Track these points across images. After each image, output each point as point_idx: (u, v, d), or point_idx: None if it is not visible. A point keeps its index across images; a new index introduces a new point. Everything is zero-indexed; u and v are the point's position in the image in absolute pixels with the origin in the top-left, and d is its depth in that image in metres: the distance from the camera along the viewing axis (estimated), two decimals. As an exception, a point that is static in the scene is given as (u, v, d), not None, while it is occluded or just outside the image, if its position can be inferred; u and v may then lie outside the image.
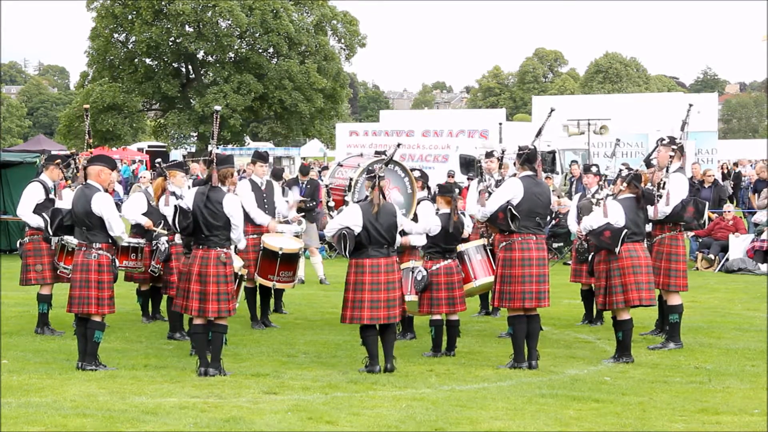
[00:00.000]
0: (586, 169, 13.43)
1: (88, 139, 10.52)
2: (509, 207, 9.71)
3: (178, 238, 11.00)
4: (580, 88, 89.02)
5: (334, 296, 14.63)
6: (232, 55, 52.22)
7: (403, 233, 10.44)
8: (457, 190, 10.83)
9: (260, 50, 52.08)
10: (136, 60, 51.89)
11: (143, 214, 12.03)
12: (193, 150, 53.82)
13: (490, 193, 10.37)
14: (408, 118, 49.14)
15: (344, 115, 58.23)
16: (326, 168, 27.30)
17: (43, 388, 8.81)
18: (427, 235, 10.48)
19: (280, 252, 12.22)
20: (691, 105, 11.70)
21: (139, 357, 10.32)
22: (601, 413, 8.08)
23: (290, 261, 12.37)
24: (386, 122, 44.02)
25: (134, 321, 12.64)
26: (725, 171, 30.86)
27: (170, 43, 51.09)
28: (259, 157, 12.88)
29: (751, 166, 34.64)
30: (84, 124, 11.05)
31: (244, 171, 27.74)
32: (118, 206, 12.07)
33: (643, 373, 9.63)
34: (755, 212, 21.15)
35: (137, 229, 12.13)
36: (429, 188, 11.74)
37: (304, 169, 17.99)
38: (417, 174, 11.72)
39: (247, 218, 12.10)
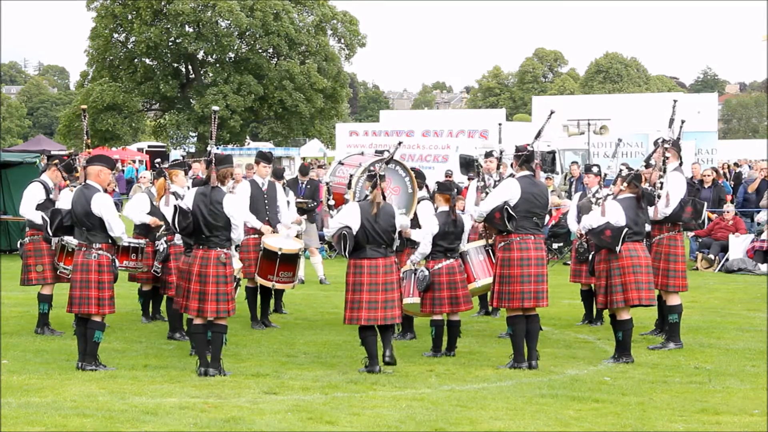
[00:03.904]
0: (587, 169, 13.43)
1: (87, 140, 10.51)
2: (506, 207, 9.71)
3: (177, 239, 11.00)
4: (580, 88, 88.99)
5: (334, 296, 14.64)
6: (232, 56, 52.24)
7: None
8: (455, 190, 10.83)
9: (260, 51, 52.09)
10: (135, 60, 51.92)
11: (147, 215, 12.04)
12: (193, 150, 53.86)
13: (487, 193, 10.36)
14: (408, 118, 49.12)
15: (344, 115, 58.25)
16: (321, 167, 27.30)
17: (43, 388, 8.81)
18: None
19: (280, 252, 12.22)
20: (675, 101, 11.69)
21: (139, 357, 10.32)
22: (601, 413, 8.08)
23: (290, 261, 12.38)
24: (386, 122, 44.02)
25: (134, 321, 12.64)
26: (725, 171, 30.83)
27: (170, 43, 51.11)
28: (263, 157, 12.88)
29: (749, 167, 34.63)
30: (83, 124, 11.05)
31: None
32: (118, 206, 12.07)
33: (643, 373, 9.63)
34: (751, 211, 21.15)
35: (140, 230, 12.13)
36: (427, 187, 11.74)
37: (304, 170, 17.99)
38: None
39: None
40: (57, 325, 11.93)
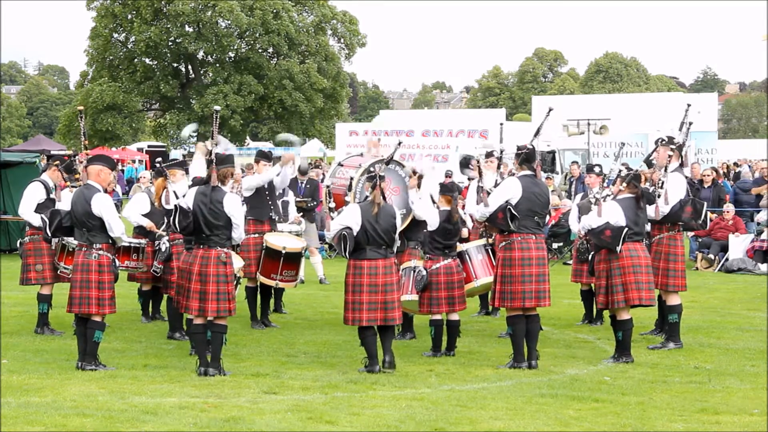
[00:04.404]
0: (589, 168, 13.44)
1: (84, 141, 10.51)
2: (508, 207, 9.71)
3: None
4: (580, 88, 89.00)
5: (333, 296, 14.64)
6: (232, 56, 52.26)
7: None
8: (457, 191, 10.84)
9: (260, 50, 52.10)
10: (135, 60, 51.96)
11: (146, 215, 12.04)
12: (193, 150, 53.82)
13: (489, 193, 10.36)
14: (408, 118, 49.12)
15: (344, 115, 58.27)
16: (318, 166, 27.31)
17: (43, 388, 8.81)
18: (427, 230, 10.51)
19: (284, 251, 12.26)
20: (689, 105, 11.71)
21: (138, 357, 10.33)
22: (601, 413, 8.09)
23: (293, 260, 12.44)
24: (386, 122, 43.99)
25: (134, 321, 12.64)
26: (724, 170, 30.86)
27: (170, 43, 51.14)
28: (263, 156, 12.91)
29: (749, 166, 34.60)
30: (81, 124, 11.03)
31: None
32: (117, 207, 12.07)
33: (643, 373, 9.64)
34: (748, 210, 21.17)
35: (140, 230, 12.13)
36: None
37: (302, 169, 18.00)
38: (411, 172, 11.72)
39: (250, 216, 12.14)
40: (57, 325, 11.93)
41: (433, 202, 10.87)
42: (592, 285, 11.58)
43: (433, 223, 10.49)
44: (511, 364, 9.85)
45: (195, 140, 53.92)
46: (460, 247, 10.93)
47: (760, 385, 9.14)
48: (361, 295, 9.61)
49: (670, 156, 10.98)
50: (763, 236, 19.13)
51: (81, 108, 11.15)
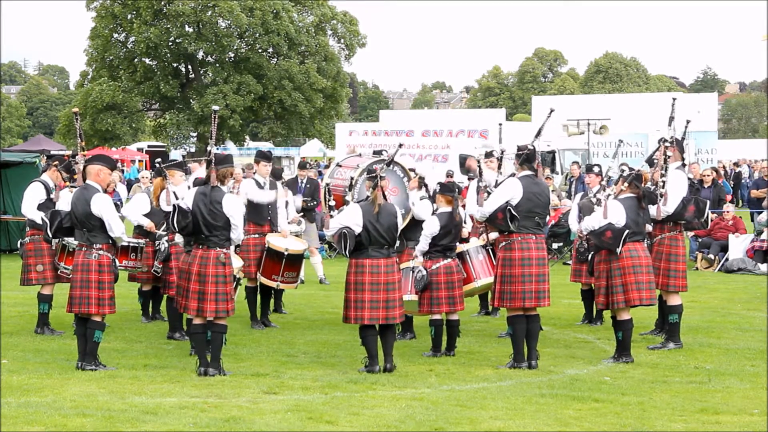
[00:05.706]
0: (589, 168, 13.42)
1: (81, 143, 10.50)
2: (508, 207, 9.71)
3: (178, 238, 11.00)
4: (580, 88, 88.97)
5: (333, 296, 14.64)
6: (232, 55, 52.23)
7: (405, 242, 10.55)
8: (457, 191, 10.82)
9: (260, 50, 52.07)
10: (135, 60, 51.90)
11: (146, 215, 12.04)
12: (193, 150, 53.86)
13: (489, 193, 10.36)
14: (408, 118, 49.08)
15: (344, 115, 58.21)
16: (327, 166, 27.37)
17: (43, 388, 8.81)
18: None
19: (286, 253, 12.26)
20: (675, 99, 11.70)
21: (138, 357, 10.33)
22: (601, 413, 8.09)
23: (295, 262, 12.46)
24: (386, 122, 43.99)
25: (134, 321, 12.64)
26: (725, 170, 30.88)
27: (170, 43, 51.08)
28: (263, 156, 12.92)
29: (748, 166, 34.64)
30: (81, 125, 11.00)
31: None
32: (118, 207, 12.06)
33: (643, 373, 9.64)
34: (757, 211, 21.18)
35: (140, 230, 12.14)
36: (426, 187, 11.73)
37: (302, 164, 18.14)
38: (412, 174, 11.71)
39: (250, 217, 12.14)
40: (57, 325, 11.93)
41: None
42: (592, 284, 11.57)
43: (432, 231, 10.45)
44: (511, 364, 9.85)
45: (195, 140, 54.05)
46: (460, 247, 10.92)
47: (760, 385, 9.14)
48: (363, 293, 9.61)
49: (667, 156, 10.92)
50: (763, 236, 19.13)
51: (75, 110, 11.13)
